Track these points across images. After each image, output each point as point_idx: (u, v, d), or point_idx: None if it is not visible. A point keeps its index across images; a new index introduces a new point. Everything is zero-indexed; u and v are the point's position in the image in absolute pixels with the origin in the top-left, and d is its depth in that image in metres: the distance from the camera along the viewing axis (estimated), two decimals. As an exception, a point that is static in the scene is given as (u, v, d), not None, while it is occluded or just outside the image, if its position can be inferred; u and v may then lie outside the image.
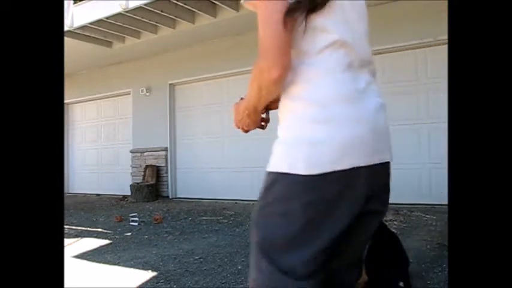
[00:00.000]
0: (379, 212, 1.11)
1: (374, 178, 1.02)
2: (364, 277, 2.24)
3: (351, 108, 0.99)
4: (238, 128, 1.23)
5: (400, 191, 5.49)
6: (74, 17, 6.04)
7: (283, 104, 1.04)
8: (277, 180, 1.00)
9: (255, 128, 1.22)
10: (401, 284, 2.23)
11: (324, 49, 0.99)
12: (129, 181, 7.91)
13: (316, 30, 0.99)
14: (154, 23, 6.38)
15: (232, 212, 5.56)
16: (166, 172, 7.63)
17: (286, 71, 0.96)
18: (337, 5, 0.99)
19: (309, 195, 0.95)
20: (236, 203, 6.49)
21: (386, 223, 2.69)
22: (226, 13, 5.90)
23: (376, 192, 1.04)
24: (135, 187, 7.40)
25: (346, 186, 0.96)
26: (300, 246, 0.97)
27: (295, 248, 0.97)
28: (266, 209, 1.05)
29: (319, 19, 0.98)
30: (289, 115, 1.02)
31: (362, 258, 1.18)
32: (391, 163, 1.11)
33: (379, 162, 1.02)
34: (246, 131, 1.24)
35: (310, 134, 0.96)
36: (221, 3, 5.64)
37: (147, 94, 7.98)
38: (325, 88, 0.99)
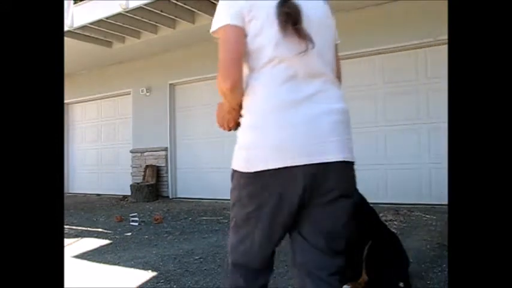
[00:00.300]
0: (327, 203, 1.25)
1: (312, 176, 1.18)
2: (364, 277, 2.24)
3: (281, 116, 1.19)
4: (221, 126, 1.39)
5: (400, 191, 5.51)
6: (74, 17, 6.04)
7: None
8: (232, 175, 1.30)
9: (235, 126, 1.34)
10: (401, 284, 2.23)
11: (265, 65, 1.22)
12: (129, 181, 7.92)
13: (259, 50, 1.22)
14: (154, 23, 6.38)
15: (232, 212, 5.56)
16: (167, 172, 7.63)
17: (236, 82, 1.22)
18: (278, 27, 1.19)
19: (252, 187, 1.22)
20: (236, 203, 6.49)
21: (386, 223, 2.69)
22: (226, 13, 5.89)
23: (318, 188, 1.21)
24: (135, 187, 7.40)
25: (281, 181, 1.18)
26: (250, 224, 1.27)
27: (247, 225, 1.27)
28: (231, 194, 1.32)
29: (262, 40, 1.21)
30: (242, 122, 1.28)
31: (338, 249, 1.32)
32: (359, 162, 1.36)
33: (316, 162, 1.18)
34: (229, 129, 1.37)
35: (248, 139, 1.25)
36: (221, 3, 5.64)
37: (147, 94, 7.98)
38: (261, 99, 1.22)
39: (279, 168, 1.17)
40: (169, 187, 7.61)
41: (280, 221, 1.24)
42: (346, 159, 1.25)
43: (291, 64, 1.21)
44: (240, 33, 1.23)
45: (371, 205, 2.51)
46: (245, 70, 1.26)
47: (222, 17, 1.25)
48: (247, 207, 1.25)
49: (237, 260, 1.35)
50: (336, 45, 1.43)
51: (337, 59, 1.46)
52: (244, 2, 1.22)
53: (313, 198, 1.22)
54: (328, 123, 1.23)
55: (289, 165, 1.16)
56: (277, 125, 1.19)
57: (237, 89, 1.23)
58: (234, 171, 1.29)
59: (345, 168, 1.27)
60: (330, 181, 1.22)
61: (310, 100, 1.22)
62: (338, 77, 1.45)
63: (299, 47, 1.20)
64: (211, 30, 1.30)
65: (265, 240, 1.29)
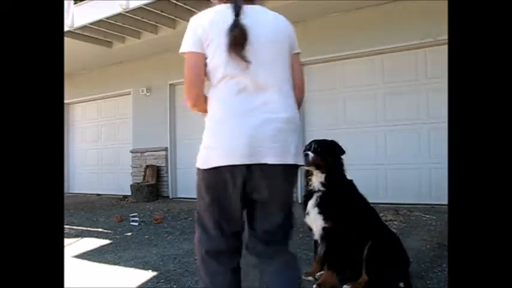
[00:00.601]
0: (268, 200, 1.53)
1: (253, 174, 1.46)
2: (364, 277, 2.24)
3: (232, 124, 1.45)
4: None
5: (400, 191, 5.51)
6: (74, 17, 6.03)
7: None
8: (196, 171, 1.59)
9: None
10: (401, 284, 2.23)
11: (220, 81, 1.49)
12: (130, 181, 7.91)
13: (215, 69, 1.49)
14: (154, 23, 6.38)
15: (232, 212, 5.56)
16: (167, 172, 7.63)
17: (195, 101, 1.55)
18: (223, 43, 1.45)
19: (208, 181, 1.52)
20: (236, 203, 6.49)
21: (386, 223, 2.69)
22: (226, 13, 5.89)
23: (258, 185, 1.48)
24: (135, 187, 7.40)
25: (228, 176, 1.45)
26: (209, 215, 1.54)
27: (208, 216, 1.55)
28: (196, 189, 1.62)
29: (216, 61, 1.48)
30: (205, 126, 1.56)
31: (279, 235, 1.61)
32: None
33: (256, 163, 1.44)
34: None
35: (206, 142, 1.52)
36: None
37: (147, 94, 7.98)
38: (217, 110, 1.50)
39: (227, 166, 1.44)
40: (170, 187, 7.61)
41: (231, 206, 1.52)
42: (283, 162, 1.47)
43: (240, 79, 1.47)
44: (199, 58, 1.52)
45: (371, 205, 2.52)
46: (212, 78, 1.55)
47: (186, 43, 1.55)
48: (206, 198, 1.54)
49: (207, 248, 1.58)
50: (297, 54, 1.64)
51: (297, 69, 1.65)
52: (202, 30, 1.49)
53: (254, 192, 1.50)
54: (270, 131, 1.45)
55: (235, 163, 1.44)
56: (228, 132, 1.46)
57: (197, 105, 1.56)
58: (197, 168, 1.58)
59: (283, 170, 1.49)
60: (266, 180, 1.48)
61: (257, 110, 1.46)
62: (297, 86, 1.64)
63: (243, 65, 1.45)
64: (180, 51, 1.58)
65: (225, 223, 1.55)
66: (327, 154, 2.47)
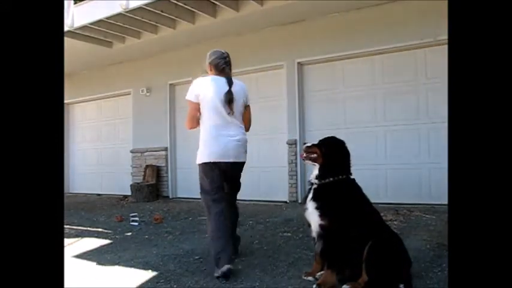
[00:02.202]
0: (232, 178, 3.08)
1: (226, 167, 2.94)
2: (364, 277, 2.24)
3: (213, 142, 2.92)
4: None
5: (400, 191, 5.51)
6: (74, 17, 6.03)
7: None
8: (198, 166, 3.01)
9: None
10: (401, 286, 2.23)
11: (208, 119, 2.94)
12: (130, 181, 7.92)
13: (205, 112, 2.94)
14: (154, 23, 6.38)
15: (232, 212, 5.55)
16: (167, 172, 7.63)
17: (191, 127, 3.06)
18: (211, 101, 2.91)
19: (203, 171, 2.97)
20: (236, 203, 6.49)
21: (386, 223, 2.68)
22: (226, 13, 5.90)
23: (229, 173, 2.99)
24: (135, 187, 7.40)
25: (213, 168, 2.92)
26: (208, 186, 2.94)
27: (208, 186, 2.95)
28: (199, 176, 3.03)
29: (205, 108, 2.92)
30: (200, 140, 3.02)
31: (235, 193, 3.22)
32: (246, 163, 3.11)
33: (227, 161, 2.93)
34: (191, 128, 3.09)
35: (201, 149, 2.99)
36: (221, 3, 5.64)
37: (147, 94, 7.98)
38: (204, 132, 2.97)
39: (213, 162, 2.91)
40: (170, 187, 7.61)
41: (218, 180, 2.95)
42: (238, 161, 3.01)
43: (217, 119, 2.93)
44: (195, 105, 2.95)
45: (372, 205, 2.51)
46: (202, 116, 2.99)
47: (189, 95, 2.96)
48: (206, 178, 2.96)
49: (211, 199, 2.95)
50: (248, 106, 3.14)
51: (247, 113, 3.14)
52: (199, 91, 2.92)
53: (226, 174, 2.98)
54: (233, 145, 2.95)
55: (216, 161, 2.91)
56: (211, 144, 2.93)
57: (192, 128, 3.05)
58: (198, 164, 3.01)
59: (239, 165, 3.06)
60: (232, 170, 3.02)
61: (227, 135, 2.94)
62: (246, 123, 3.13)
63: (228, 111, 2.92)
64: (186, 98, 3.00)
65: (215, 186, 2.95)
66: (324, 146, 2.51)
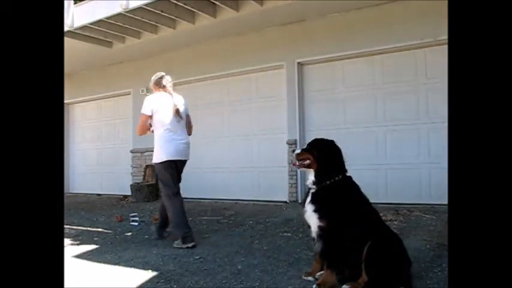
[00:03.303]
0: (180, 172, 3.97)
1: (178, 164, 3.89)
2: (364, 277, 2.24)
3: (167, 144, 3.79)
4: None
5: (400, 191, 5.51)
6: (74, 17, 6.03)
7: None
8: (156, 164, 3.89)
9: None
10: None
11: (162, 127, 3.81)
12: (130, 181, 7.91)
13: (158, 121, 3.82)
14: (154, 23, 6.38)
15: (232, 212, 5.56)
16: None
17: (142, 134, 4.01)
18: (163, 111, 3.81)
19: (160, 168, 3.83)
20: (236, 203, 6.49)
21: (386, 223, 2.68)
22: (226, 13, 5.90)
23: (180, 169, 3.93)
24: (135, 187, 7.40)
25: (168, 165, 3.79)
26: (170, 180, 3.82)
27: (169, 181, 3.82)
28: (157, 173, 4.04)
29: (157, 118, 3.82)
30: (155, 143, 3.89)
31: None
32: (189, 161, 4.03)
33: (179, 159, 3.87)
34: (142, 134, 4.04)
35: (155, 150, 3.85)
36: (221, 3, 5.64)
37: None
38: (158, 137, 3.84)
39: (167, 160, 3.77)
40: (169, 187, 7.60)
41: (176, 175, 3.85)
42: (186, 159, 3.95)
43: (168, 125, 3.79)
44: (147, 118, 3.83)
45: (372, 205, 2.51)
46: (156, 125, 3.85)
47: (144, 109, 3.84)
48: (166, 174, 3.79)
49: (173, 189, 3.82)
50: (188, 115, 4.10)
51: (189, 120, 4.12)
52: (153, 106, 3.80)
53: (178, 172, 3.91)
54: (183, 147, 3.87)
55: (170, 159, 3.78)
56: (166, 146, 3.78)
57: (143, 134, 4.00)
58: (157, 163, 3.82)
59: (185, 162, 3.97)
60: (182, 167, 3.96)
61: (176, 139, 3.83)
62: (189, 128, 4.08)
63: (178, 119, 3.84)
64: (141, 112, 3.88)
65: (175, 180, 3.86)
66: (315, 150, 2.48)
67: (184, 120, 3.92)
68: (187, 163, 3.99)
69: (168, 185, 3.79)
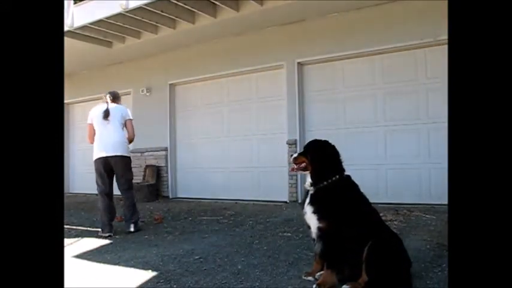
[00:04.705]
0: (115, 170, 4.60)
1: (109, 160, 4.47)
2: (364, 277, 2.24)
3: (100, 144, 4.51)
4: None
5: (399, 191, 5.52)
6: (74, 17, 6.04)
7: None
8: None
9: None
10: None
11: (97, 131, 4.60)
12: (129, 181, 7.90)
13: (95, 127, 4.62)
14: (154, 23, 6.38)
15: (232, 212, 5.56)
16: (167, 172, 7.63)
17: (90, 142, 4.68)
18: (100, 123, 4.56)
19: (96, 164, 4.53)
20: (236, 203, 6.49)
21: (386, 223, 2.68)
22: (226, 13, 5.90)
23: (114, 164, 4.50)
24: (135, 187, 7.38)
25: (100, 163, 4.47)
26: (98, 180, 4.55)
27: (98, 181, 4.55)
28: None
29: (95, 125, 4.60)
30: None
31: (125, 187, 4.76)
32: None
33: (109, 155, 4.46)
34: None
35: (94, 151, 4.57)
36: (221, 3, 5.64)
37: (147, 94, 7.98)
38: (97, 141, 4.58)
39: (100, 157, 4.47)
40: (169, 187, 7.61)
41: (105, 175, 4.48)
42: (121, 155, 4.50)
43: (103, 130, 4.50)
44: (91, 126, 4.62)
45: (372, 205, 2.51)
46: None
47: (89, 119, 4.69)
48: (96, 172, 4.51)
49: (101, 188, 4.52)
50: (130, 119, 4.64)
51: (129, 125, 4.62)
52: (93, 115, 4.62)
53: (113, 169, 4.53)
54: (114, 144, 4.45)
55: (102, 156, 4.46)
56: (98, 146, 4.50)
57: (90, 142, 4.66)
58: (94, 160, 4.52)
59: (117, 158, 4.49)
60: (113, 162, 4.49)
61: (109, 139, 4.46)
62: (129, 133, 4.63)
63: (105, 124, 4.50)
64: (87, 122, 4.78)
65: (103, 181, 4.51)
66: (309, 152, 2.49)
67: (115, 124, 4.49)
68: (130, 160, 4.62)
69: (98, 184, 4.53)
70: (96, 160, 4.45)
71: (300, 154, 2.55)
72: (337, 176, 2.42)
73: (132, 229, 4.47)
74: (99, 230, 4.47)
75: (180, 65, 7.46)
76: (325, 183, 2.40)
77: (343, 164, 2.48)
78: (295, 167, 2.54)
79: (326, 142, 2.52)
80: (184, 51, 7.32)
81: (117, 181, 4.58)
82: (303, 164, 2.50)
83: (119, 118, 4.54)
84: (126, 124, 4.58)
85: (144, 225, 4.93)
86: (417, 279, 2.45)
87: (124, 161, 4.51)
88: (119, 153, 4.43)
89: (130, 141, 4.66)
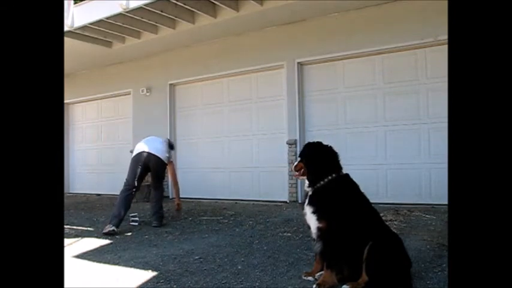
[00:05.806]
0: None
1: (150, 158, 4.81)
2: (364, 277, 2.24)
3: (143, 145, 4.91)
4: None
5: (400, 191, 5.52)
6: (74, 17, 6.04)
7: None
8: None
9: None
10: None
11: None
12: (129, 181, 7.91)
13: None
14: (154, 23, 6.38)
15: (232, 212, 5.56)
16: (167, 172, 7.61)
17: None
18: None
19: (132, 161, 4.83)
20: (236, 203, 6.49)
21: (386, 223, 2.68)
22: (226, 13, 5.90)
23: (152, 162, 4.81)
24: (135, 187, 7.39)
25: (138, 158, 4.77)
26: (130, 176, 4.79)
27: (130, 176, 4.80)
28: None
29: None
30: None
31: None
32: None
33: (152, 153, 4.85)
34: None
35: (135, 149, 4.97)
36: (221, 3, 5.64)
37: (147, 94, 7.98)
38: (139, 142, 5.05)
39: (141, 152, 4.80)
40: (170, 187, 7.61)
41: (140, 171, 4.76)
42: (160, 156, 4.85)
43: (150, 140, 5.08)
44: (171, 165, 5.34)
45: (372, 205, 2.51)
46: None
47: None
48: (131, 168, 4.79)
49: (129, 183, 4.71)
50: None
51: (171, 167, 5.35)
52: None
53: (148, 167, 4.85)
54: (157, 148, 4.89)
55: (144, 151, 4.80)
56: (142, 146, 4.89)
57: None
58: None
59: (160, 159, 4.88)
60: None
61: (155, 143, 4.96)
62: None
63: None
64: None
65: (135, 177, 4.71)
66: (303, 157, 2.56)
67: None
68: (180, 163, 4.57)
69: (127, 179, 4.81)
70: (135, 155, 4.77)
71: (298, 162, 2.60)
72: (334, 175, 2.44)
73: (155, 224, 4.73)
74: (105, 226, 4.47)
75: (180, 65, 7.46)
76: (321, 182, 2.43)
77: (340, 162, 2.50)
78: (297, 173, 2.60)
79: (319, 143, 2.58)
80: (184, 51, 7.32)
81: (152, 178, 5.00)
82: (302, 170, 2.55)
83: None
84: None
85: (144, 225, 4.93)
86: (417, 279, 2.45)
87: (161, 162, 4.84)
88: (159, 154, 4.79)
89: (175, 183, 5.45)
